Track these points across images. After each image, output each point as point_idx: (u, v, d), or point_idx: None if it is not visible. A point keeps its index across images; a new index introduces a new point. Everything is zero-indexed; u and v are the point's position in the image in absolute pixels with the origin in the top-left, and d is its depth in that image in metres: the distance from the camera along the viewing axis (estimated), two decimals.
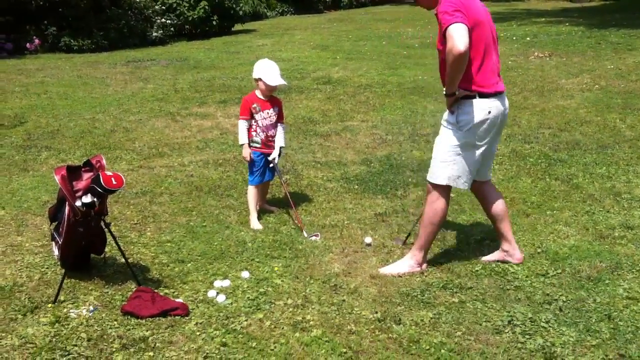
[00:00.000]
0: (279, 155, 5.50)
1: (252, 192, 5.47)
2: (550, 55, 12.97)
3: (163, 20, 18.82)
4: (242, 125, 5.38)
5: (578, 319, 3.84)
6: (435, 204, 4.35)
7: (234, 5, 20.10)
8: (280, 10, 28.23)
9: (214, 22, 19.73)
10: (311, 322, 3.84)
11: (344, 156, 7.26)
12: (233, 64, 13.82)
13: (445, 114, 4.30)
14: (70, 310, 3.96)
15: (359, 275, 4.46)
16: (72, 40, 16.69)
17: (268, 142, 5.43)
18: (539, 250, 4.78)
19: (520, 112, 8.84)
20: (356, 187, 6.25)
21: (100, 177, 3.98)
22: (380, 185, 6.27)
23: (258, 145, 5.42)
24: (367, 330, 3.75)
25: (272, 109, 5.40)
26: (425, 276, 4.41)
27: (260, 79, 5.29)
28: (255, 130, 5.39)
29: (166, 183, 6.39)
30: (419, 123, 8.51)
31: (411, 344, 3.61)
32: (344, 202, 5.88)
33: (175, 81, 11.88)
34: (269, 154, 5.43)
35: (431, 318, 3.87)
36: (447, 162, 4.29)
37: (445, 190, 4.35)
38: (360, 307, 4.01)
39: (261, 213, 5.54)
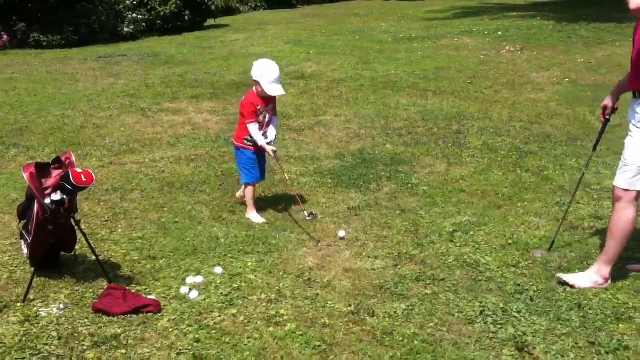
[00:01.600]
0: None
1: (250, 190, 5.38)
2: (521, 49, 13.09)
3: (134, 15, 18.63)
4: (255, 128, 5.15)
5: (549, 308, 3.89)
6: (626, 212, 3.98)
7: (207, 0, 19.96)
8: (253, 5, 28.12)
9: (186, 17, 19.58)
10: (285, 317, 3.83)
11: (318, 151, 7.26)
12: (205, 59, 13.73)
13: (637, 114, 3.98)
14: (40, 309, 3.91)
15: (332, 268, 4.46)
16: (41, 36, 16.45)
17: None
18: (510, 241, 4.82)
19: (492, 106, 8.92)
20: (329, 181, 6.25)
21: (70, 174, 3.92)
22: (354, 179, 6.28)
23: (251, 144, 5.28)
24: (340, 323, 3.76)
25: (268, 107, 5.26)
26: (399, 269, 4.43)
27: (259, 83, 5.10)
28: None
29: (137, 179, 6.33)
30: (392, 117, 8.53)
31: (385, 336, 3.62)
32: (317, 196, 5.88)
33: (146, 77, 11.76)
34: (262, 152, 5.31)
35: (404, 310, 3.89)
36: None
37: (637, 198, 4.00)
38: (334, 301, 4.01)
39: (239, 206, 5.49)
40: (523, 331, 3.64)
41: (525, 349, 3.47)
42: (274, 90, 5.11)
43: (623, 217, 4.00)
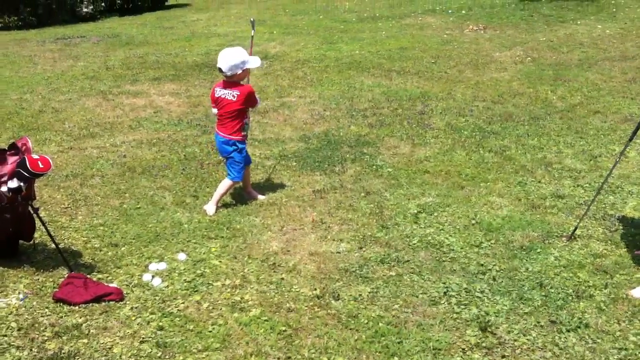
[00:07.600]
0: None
1: (230, 185, 5.19)
2: (484, 29, 13.14)
3: None
4: None
5: (511, 287, 3.94)
6: None
7: None
8: None
9: None
10: (250, 302, 3.82)
11: (282, 133, 7.20)
12: (167, 40, 13.50)
13: None
14: None
15: (297, 252, 4.45)
16: None
17: None
18: (473, 221, 4.86)
19: (455, 86, 8.95)
20: (294, 164, 6.22)
21: (26, 160, 3.85)
22: (318, 161, 6.25)
23: (247, 134, 5.18)
24: (306, 308, 3.76)
25: None
26: (364, 251, 4.44)
27: (247, 69, 4.94)
28: (248, 120, 5.14)
29: (98, 165, 6.21)
30: (357, 98, 8.51)
31: (350, 319, 3.63)
32: (282, 179, 5.84)
33: (106, 58, 11.52)
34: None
35: (369, 292, 3.90)
36: None
37: None
38: (299, 285, 4.01)
39: (202, 190, 5.43)
40: (486, 311, 3.69)
41: (489, 329, 3.51)
42: (257, 62, 5.01)
43: None
